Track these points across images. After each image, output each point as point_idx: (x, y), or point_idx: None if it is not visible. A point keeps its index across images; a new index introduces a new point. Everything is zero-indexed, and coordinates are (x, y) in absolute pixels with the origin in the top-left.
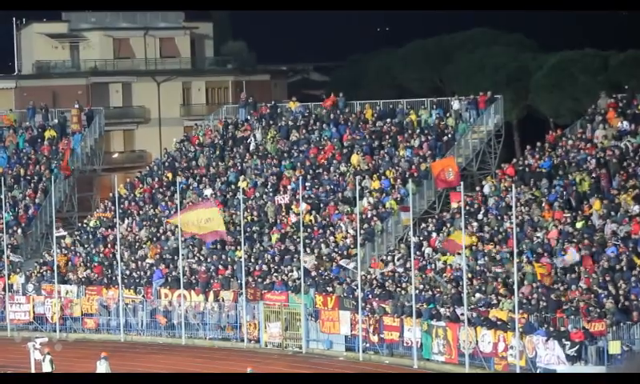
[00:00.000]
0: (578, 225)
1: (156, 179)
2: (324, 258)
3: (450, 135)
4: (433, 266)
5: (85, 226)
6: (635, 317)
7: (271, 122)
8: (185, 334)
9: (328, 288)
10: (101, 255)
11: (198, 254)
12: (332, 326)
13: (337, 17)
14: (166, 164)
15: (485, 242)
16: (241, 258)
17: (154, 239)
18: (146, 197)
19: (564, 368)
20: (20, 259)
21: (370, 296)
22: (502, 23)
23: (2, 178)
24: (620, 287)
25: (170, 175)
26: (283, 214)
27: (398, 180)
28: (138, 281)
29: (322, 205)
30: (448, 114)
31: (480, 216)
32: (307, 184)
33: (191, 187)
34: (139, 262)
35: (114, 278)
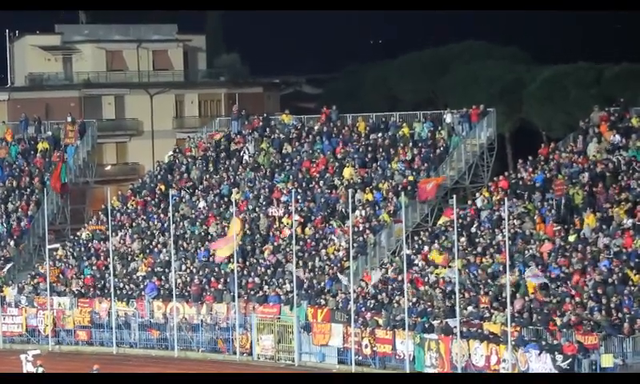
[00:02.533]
0: (571, 238)
1: (149, 191)
2: (317, 270)
3: (442, 148)
4: (426, 278)
5: (77, 238)
6: (627, 330)
7: (264, 135)
8: (177, 346)
9: (321, 301)
10: (93, 267)
11: (190, 267)
12: (323, 338)
13: (330, 29)
14: (159, 176)
15: (477, 254)
16: (233, 270)
17: (147, 251)
18: (139, 209)
19: None
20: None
21: (363, 309)
22: (499, 36)
23: None
24: (612, 301)
25: (162, 187)
26: (276, 226)
27: (391, 193)
28: (130, 293)
29: (314, 218)
30: (440, 127)
31: (473, 229)
32: (299, 197)
33: (184, 200)
34: (132, 275)
35: (106, 291)
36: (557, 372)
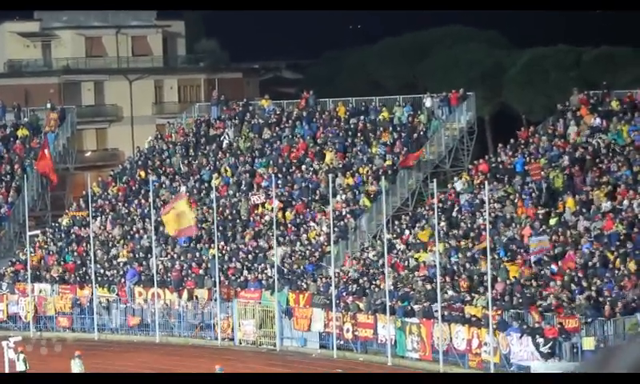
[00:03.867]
0: (552, 221)
1: (129, 177)
2: (298, 254)
3: (422, 132)
4: (406, 263)
5: (58, 224)
6: (608, 313)
7: (244, 120)
8: (159, 332)
9: (302, 284)
10: (74, 254)
11: (171, 252)
12: (305, 324)
13: (310, 14)
14: (139, 162)
15: (458, 238)
16: (214, 256)
17: (127, 237)
18: (119, 195)
19: (538, 364)
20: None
21: (344, 293)
22: (478, 20)
23: None
24: (594, 283)
25: (142, 173)
26: (256, 211)
27: (370, 177)
28: (111, 279)
29: (295, 203)
30: (420, 112)
31: (454, 213)
32: (280, 182)
33: (164, 185)
34: (113, 261)
35: (87, 277)
36: (539, 356)
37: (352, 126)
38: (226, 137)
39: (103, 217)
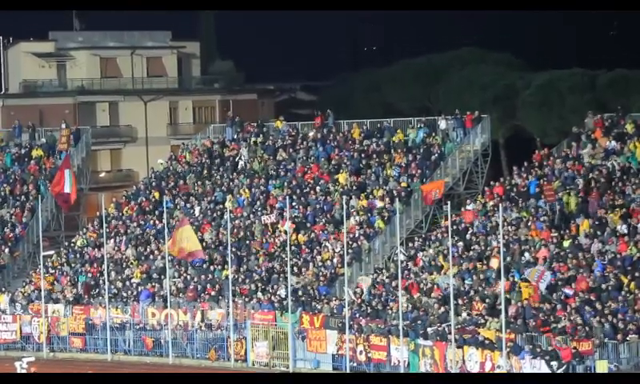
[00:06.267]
0: (565, 244)
1: (143, 199)
2: (312, 276)
3: (437, 154)
4: (421, 285)
5: (72, 245)
6: (621, 336)
7: (258, 141)
8: (172, 353)
9: (317, 305)
10: (88, 274)
11: (184, 274)
12: (319, 345)
13: (325, 36)
14: (153, 183)
15: (472, 261)
16: (228, 277)
17: (141, 258)
18: (133, 216)
19: None
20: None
21: (358, 315)
22: (491, 42)
23: None
24: (608, 306)
25: (157, 194)
26: (270, 233)
27: (386, 199)
28: (125, 300)
29: (309, 224)
30: (435, 134)
31: (468, 236)
32: (294, 203)
33: (178, 206)
34: (126, 282)
35: (101, 298)
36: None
37: (366, 148)
38: (242, 157)
39: (117, 237)
